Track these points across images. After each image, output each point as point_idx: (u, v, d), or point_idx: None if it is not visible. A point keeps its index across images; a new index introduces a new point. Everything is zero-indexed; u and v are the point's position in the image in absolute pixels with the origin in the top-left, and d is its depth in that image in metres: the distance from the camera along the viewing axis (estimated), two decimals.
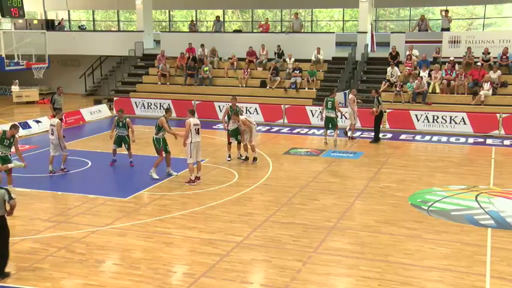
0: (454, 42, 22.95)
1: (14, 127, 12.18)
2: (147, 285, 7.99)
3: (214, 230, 10.18)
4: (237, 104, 15.78)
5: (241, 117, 14.93)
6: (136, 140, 15.19)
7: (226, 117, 15.74)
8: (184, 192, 12.53)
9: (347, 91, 20.22)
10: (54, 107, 18.53)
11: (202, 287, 7.94)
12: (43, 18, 34.35)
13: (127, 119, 14.93)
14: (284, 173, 14.35)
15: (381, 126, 18.74)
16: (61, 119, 15.10)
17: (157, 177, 13.49)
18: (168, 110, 14.33)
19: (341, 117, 19.61)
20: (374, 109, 18.11)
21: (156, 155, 13.81)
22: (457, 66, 21.83)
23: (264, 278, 8.37)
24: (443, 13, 24.49)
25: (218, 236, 9.85)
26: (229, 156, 15.47)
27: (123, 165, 14.84)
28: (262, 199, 12.12)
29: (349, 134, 18.83)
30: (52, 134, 14.14)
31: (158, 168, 13.66)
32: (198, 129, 12.76)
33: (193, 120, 12.76)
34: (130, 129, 14.87)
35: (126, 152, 14.96)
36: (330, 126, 17.56)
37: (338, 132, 17.53)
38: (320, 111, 19.48)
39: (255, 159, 15.15)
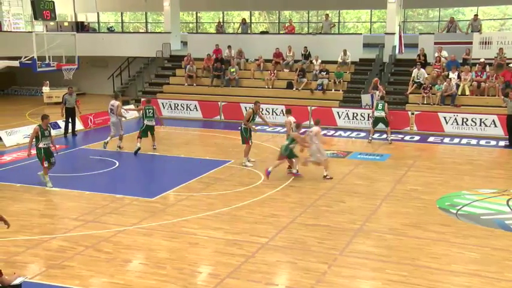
0: (485, 43, 22.50)
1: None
2: (172, 285, 8.04)
3: (240, 231, 10.20)
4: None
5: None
6: (163, 141, 15.59)
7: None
8: (210, 193, 12.58)
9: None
10: (66, 106, 19.53)
11: None
12: (73, 20, 34.99)
13: (153, 107, 16.92)
14: (310, 174, 14.28)
15: None
16: (122, 102, 17.37)
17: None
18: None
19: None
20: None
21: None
22: (487, 67, 21.40)
23: (289, 279, 8.35)
24: (473, 17, 24.03)
25: (243, 237, 9.86)
26: None
27: (150, 166, 14.99)
28: (288, 201, 12.09)
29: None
30: (112, 113, 16.77)
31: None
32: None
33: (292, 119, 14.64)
34: (156, 116, 16.76)
35: (152, 153, 15.95)
36: (382, 125, 18.33)
37: (390, 128, 18.41)
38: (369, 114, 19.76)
39: None
